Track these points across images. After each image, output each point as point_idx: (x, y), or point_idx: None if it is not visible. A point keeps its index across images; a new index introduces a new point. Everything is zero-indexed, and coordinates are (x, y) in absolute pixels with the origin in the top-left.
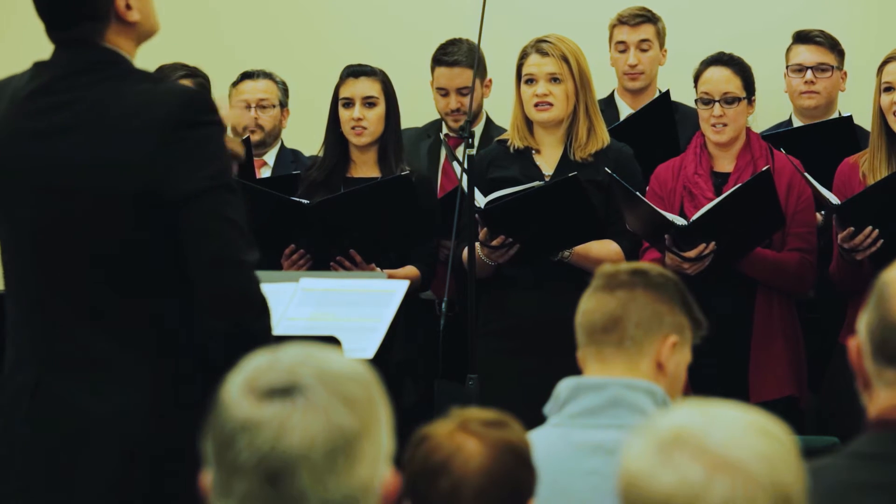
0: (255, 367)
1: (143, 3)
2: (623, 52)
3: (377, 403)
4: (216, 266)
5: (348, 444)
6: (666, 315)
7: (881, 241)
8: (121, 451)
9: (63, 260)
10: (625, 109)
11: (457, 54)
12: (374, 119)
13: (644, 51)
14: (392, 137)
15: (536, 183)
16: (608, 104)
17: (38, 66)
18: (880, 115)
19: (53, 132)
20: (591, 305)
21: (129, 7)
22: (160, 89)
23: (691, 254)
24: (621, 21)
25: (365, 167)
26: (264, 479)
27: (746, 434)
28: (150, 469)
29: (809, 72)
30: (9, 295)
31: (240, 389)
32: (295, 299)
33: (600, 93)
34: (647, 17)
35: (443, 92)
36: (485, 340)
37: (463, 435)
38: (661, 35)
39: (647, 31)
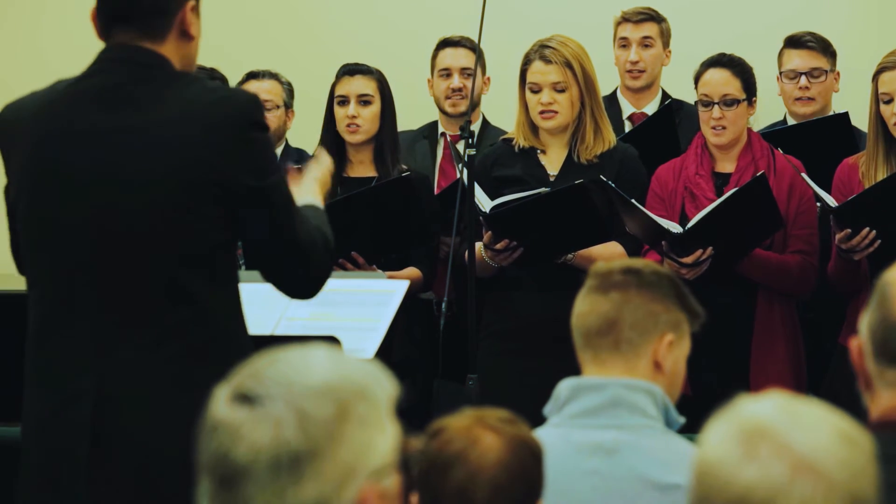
0: (248, 367)
1: (197, 28)
2: (625, 48)
3: (349, 422)
4: (290, 254)
5: (294, 462)
6: (661, 314)
7: (878, 241)
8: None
9: (124, 260)
10: (627, 107)
11: (460, 39)
12: (368, 117)
13: (646, 47)
14: (388, 136)
15: (543, 189)
16: (611, 101)
17: (92, 69)
18: (877, 122)
19: (119, 130)
20: (585, 308)
21: (189, 21)
22: (226, 90)
23: (688, 260)
24: (625, 18)
25: (361, 166)
26: (219, 481)
27: (832, 439)
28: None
29: (803, 77)
30: (44, 299)
31: (226, 389)
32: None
33: (602, 91)
34: (650, 15)
35: (445, 73)
36: (487, 342)
37: (480, 428)
38: (664, 35)
39: (650, 28)
